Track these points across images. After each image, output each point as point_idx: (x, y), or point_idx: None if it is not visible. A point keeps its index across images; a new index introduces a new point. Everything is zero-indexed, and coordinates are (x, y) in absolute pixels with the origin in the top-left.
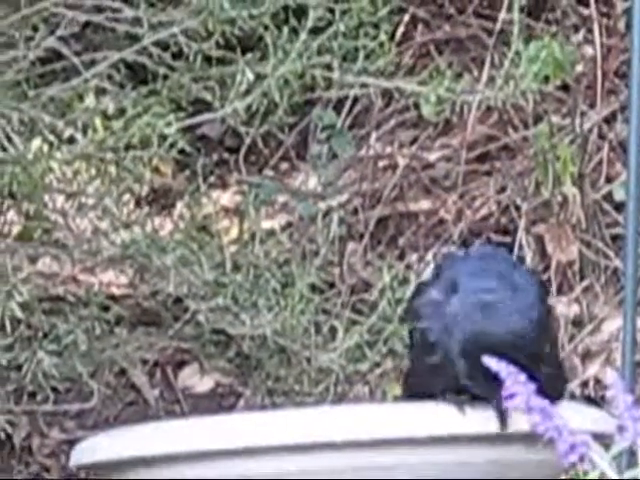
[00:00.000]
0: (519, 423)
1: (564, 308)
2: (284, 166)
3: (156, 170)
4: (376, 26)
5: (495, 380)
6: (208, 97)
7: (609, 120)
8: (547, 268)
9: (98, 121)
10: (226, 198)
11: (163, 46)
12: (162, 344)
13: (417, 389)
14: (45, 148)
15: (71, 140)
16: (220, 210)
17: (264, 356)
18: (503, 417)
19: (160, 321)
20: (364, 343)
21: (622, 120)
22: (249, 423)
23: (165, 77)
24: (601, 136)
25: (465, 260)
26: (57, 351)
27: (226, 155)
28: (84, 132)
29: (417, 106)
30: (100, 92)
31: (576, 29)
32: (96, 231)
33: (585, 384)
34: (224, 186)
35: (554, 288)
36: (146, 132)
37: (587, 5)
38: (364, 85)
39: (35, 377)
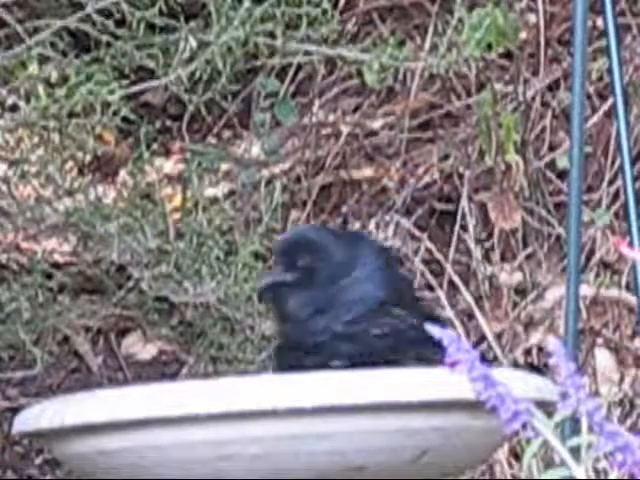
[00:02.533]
0: (462, 390)
1: (507, 276)
2: (227, 134)
3: (99, 138)
4: None
5: None
6: (151, 65)
7: (552, 88)
8: (490, 236)
9: (41, 89)
10: (169, 166)
11: (106, 14)
12: (105, 312)
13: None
14: None
15: (14, 108)
16: (163, 178)
17: (207, 324)
18: None
19: (103, 289)
20: None
21: (565, 88)
22: (192, 391)
23: (108, 45)
24: (544, 104)
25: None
26: (0, 319)
27: (169, 123)
28: (27, 100)
29: (360, 74)
30: (43, 60)
31: None
32: (39, 199)
33: (528, 352)
34: (167, 154)
35: (497, 256)
36: (89, 100)
37: None
38: (307, 53)
39: None
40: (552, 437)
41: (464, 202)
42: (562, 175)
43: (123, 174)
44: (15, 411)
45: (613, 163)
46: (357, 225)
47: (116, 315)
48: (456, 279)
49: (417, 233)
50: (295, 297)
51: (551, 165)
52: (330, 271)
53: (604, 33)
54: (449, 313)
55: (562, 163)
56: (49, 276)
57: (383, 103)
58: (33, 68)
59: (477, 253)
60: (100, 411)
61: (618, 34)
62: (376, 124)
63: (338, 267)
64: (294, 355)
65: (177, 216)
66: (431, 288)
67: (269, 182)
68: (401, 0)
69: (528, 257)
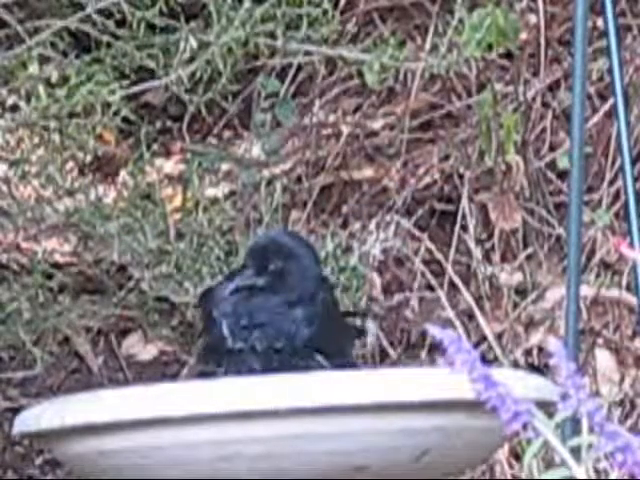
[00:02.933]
0: (463, 390)
1: (507, 276)
2: (228, 134)
3: (100, 138)
4: None
5: None
6: (152, 65)
7: (552, 88)
8: (490, 236)
9: (42, 89)
10: (170, 166)
11: (106, 14)
12: (106, 312)
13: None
14: None
15: (14, 108)
16: (164, 178)
17: None
18: None
19: (104, 289)
20: None
21: (565, 88)
22: (193, 391)
23: (109, 45)
24: (544, 104)
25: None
26: (0, 319)
27: (170, 123)
28: (27, 100)
29: (361, 74)
30: (44, 60)
31: None
32: (39, 199)
33: (528, 352)
34: (168, 154)
35: (497, 256)
36: (90, 100)
37: None
38: (308, 53)
39: None
40: (552, 437)
41: (464, 202)
42: (562, 175)
43: (123, 174)
44: (16, 411)
45: (613, 163)
46: (357, 225)
47: (117, 315)
48: (456, 279)
49: (417, 233)
50: (264, 301)
51: (551, 165)
52: (299, 277)
53: (604, 33)
54: (449, 313)
55: (562, 163)
56: (49, 276)
57: (383, 103)
58: (33, 68)
59: (477, 253)
60: (101, 411)
61: (618, 34)
62: (376, 124)
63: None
64: (222, 354)
65: (177, 216)
66: (431, 288)
67: (269, 182)
68: (402, 0)
69: (528, 257)
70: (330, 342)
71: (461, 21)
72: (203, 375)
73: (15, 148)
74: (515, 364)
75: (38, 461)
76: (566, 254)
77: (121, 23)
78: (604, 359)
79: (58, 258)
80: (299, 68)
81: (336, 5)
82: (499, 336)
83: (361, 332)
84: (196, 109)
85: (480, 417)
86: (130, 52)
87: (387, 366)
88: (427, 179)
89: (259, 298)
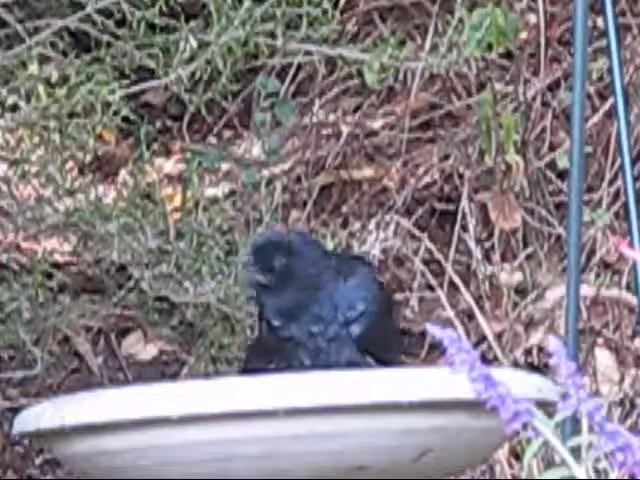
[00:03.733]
0: (462, 390)
1: (507, 276)
2: (227, 134)
3: (99, 138)
4: None
5: None
6: (152, 64)
7: (552, 88)
8: (490, 236)
9: (41, 89)
10: (170, 166)
11: (106, 13)
12: (106, 312)
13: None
14: None
15: (14, 108)
16: (164, 178)
17: (208, 324)
18: None
19: (104, 289)
20: None
21: (565, 88)
22: (192, 391)
23: (108, 45)
24: (544, 104)
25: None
26: (0, 318)
27: (170, 123)
28: (27, 100)
29: (360, 74)
30: (43, 60)
31: None
32: (39, 198)
33: (528, 352)
34: (168, 154)
35: (497, 256)
36: (89, 100)
37: None
38: (307, 53)
39: None
40: (552, 437)
41: (464, 202)
42: (562, 175)
43: (123, 174)
44: (15, 411)
45: (613, 163)
46: (357, 225)
47: (116, 315)
48: (456, 279)
49: (417, 233)
50: (270, 299)
51: (551, 165)
52: (307, 275)
53: (604, 33)
54: (449, 313)
55: (562, 163)
56: (49, 276)
57: (383, 103)
58: (33, 68)
59: (477, 253)
60: (100, 411)
61: (618, 34)
62: (376, 124)
63: (316, 272)
64: (262, 357)
65: (177, 216)
66: (431, 288)
67: (269, 182)
68: (401, 0)
69: (528, 257)
70: (379, 343)
71: (461, 21)
72: (247, 372)
73: (15, 148)
74: (515, 364)
75: (38, 461)
76: (566, 254)
77: (121, 23)
78: (604, 359)
79: (58, 258)
80: (299, 68)
81: (336, 5)
82: (499, 336)
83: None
84: (196, 109)
85: (480, 417)
86: (130, 52)
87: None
88: (427, 179)
89: (307, 293)
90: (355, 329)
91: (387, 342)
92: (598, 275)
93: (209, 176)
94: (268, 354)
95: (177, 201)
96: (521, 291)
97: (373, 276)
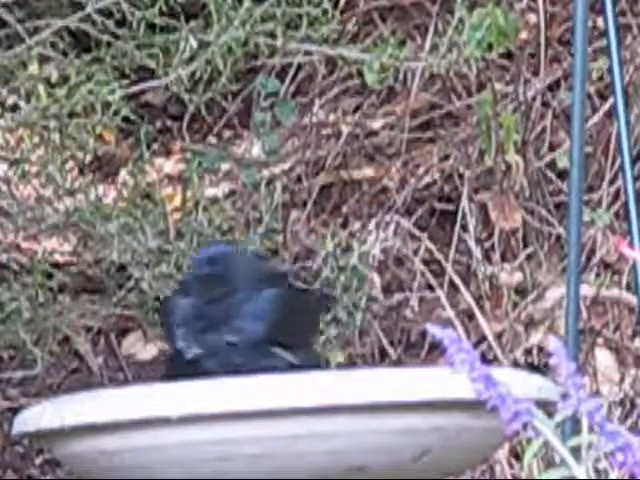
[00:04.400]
0: (462, 390)
1: (507, 276)
2: (227, 134)
3: (100, 138)
4: None
5: None
6: (152, 64)
7: (552, 88)
8: (490, 236)
9: (41, 89)
10: (170, 166)
11: (106, 13)
12: (106, 312)
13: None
14: None
15: (14, 108)
16: (164, 178)
17: None
18: None
19: (104, 289)
20: None
21: (565, 88)
22: (192, 391)
23: (109, 44)
24: (544, 104)
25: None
26: (0, 318)
27: (170, 123)
28: (27, 100)
29: (360, 74)
30: (44, 60)
31: None
32: (39, 198)
33: (529, 352)
34: (168, 154)
35: (497, 256)
36: (90, 99)
37: None
38: (308, 53)
39: None
40: (553, 437)
41: (464, 202)
42: (562, 175)
43: (123, 174)
44: (15, 411)
45: (613, 163)
46: (357, 225)
47: (116, 315)
48: (456, 279)
49: (417, 233)
50: (187, 307)
51: (551, 165)
52: (226, 286)
53: (604, 33)
54: (449, 313)
55: (562, 163)
56: (49, 276)
57: (383, 103)
58: (33, 68)
59: (477, 253)
60: (100, 411)
61: (618, 34)
62: (376, 124)
63: (233, 284)
64: (181, 365)
65: (177, 216)
66: (431, 288)
67: (269, 182)
68: (401, 0)
69: (528, 257)
70: (290, 334)
71: (461, 21)
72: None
73: (15, 148)
74: (515, 364)
75: (38, 461)
76: (566, 254)
77: (121, 23)
78: (604, 359)
79: (58, 258)
80: (299, 68)
81: (336, 5)
82: (499, 336)
83: (329, 301)
84: (196, 109)
85: (480, 417)
86: (130, 52)
87: (387, 366)
88: (427, 179)
89: (208, 305)
90: (261, 333)
91: (298, 331)
92: (598, 275)
93: (209, 176)
94: (185, 364)
95: (177, 201)
96: (521, 291)
97: (284, 286)
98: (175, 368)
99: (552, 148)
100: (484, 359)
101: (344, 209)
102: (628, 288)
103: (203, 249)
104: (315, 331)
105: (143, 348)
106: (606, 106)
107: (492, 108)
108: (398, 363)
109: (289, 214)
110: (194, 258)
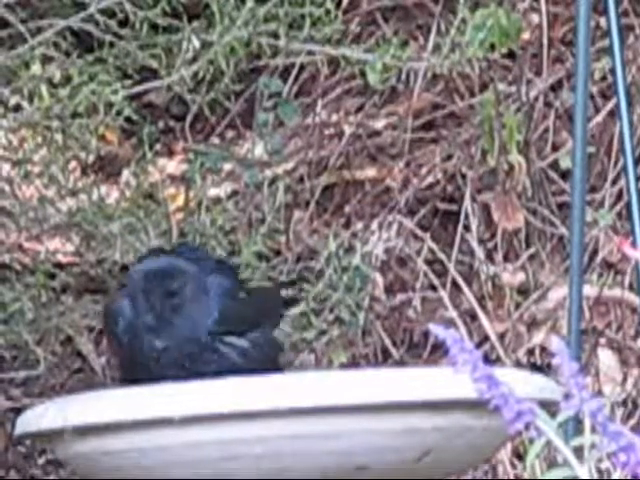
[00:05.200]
0: (465, 390)
1: (510, 276)
2: (230, 134)
3: (102, 138)
4: None
5: None
6: (154, 65)
7: (555, 88)
8: (493, 236)
9: (44, 89)
10: (172, 166)
11: (109, 14)
12: None
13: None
14: None
15: (17, 108)
16: (166, 178)
17: None
18: None
19: (106, 289)
20: (310, 311)
21: (568, 88)
22: (195, 391)
23: (111, 45)
24: (547, 104)
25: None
26: (3, 319)
27: (172, 123)
28: (30, 100)
29: (363, 74)
30: (46, 60)
31: None
32: (42, 199)
33: (531, 352)
34: (170, 154)
35: (500, 256)
36: (92, 100)
37: None
38: (310, 53)
39: None
40: (555, 437)
41: (467, 202)
42: (565, 175)
43: (126, 174)
44: (18, 411)
45: (616, 163)
46: (360, 225)
47: None
48: (459, 279)
49: (420, 233)
50: (132, 312)
51: (554, 165)
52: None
53: (607, 33)
54: (452, 313)
55: (565, 163)
56: (52, 276)
57: (386, 103)
58: (36, 68)
59: (480, 253)
60: (103, 411)
61: (621, 34)
62: (379, 124)
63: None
64: (133, 369)
65: (180, 216)
66: (434, 288)
67: (272, 182)
68: (404, 0)
69: (531, 257)
70: (241, 322)
71: (464, 21)
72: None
73: (18, 148)
74: (518, 364)
75: (41, 461)
76: (568, 254)
77: (124, 23)
78: (607, 359)
79: (61, 258)
80: (302, 68)
81: (339, 5)
82: (501, 336)
83: (293, 301)
84: (199, 109)
85: (482, 417)
86: (133, 52)
87: (389, 366)
88: (430, 179)
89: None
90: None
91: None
92: (601, 275)
93: (212, 176)
94: (141, 366)
95: (180, 201)
96: (524, 291)
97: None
98: (132, 370)
99: (555, 148)
100: (486, 359)
101: (347, 209)
102: (631, 288)
103: (140, 262)
104: (269, 316)
105: None
106: (609, 106)
107: (495, 108)
108: (401, 363)
109: (292, 214)
110: (132, 274)
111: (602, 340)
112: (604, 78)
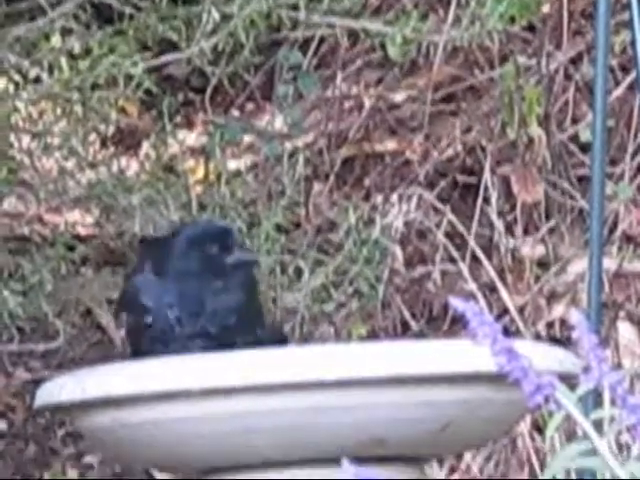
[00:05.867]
0: (485, 363)
1: (530, 249)
2: (250, 106)
3: (122, 110)
4: None
5: None
6: (174, 37)
7: (575, 61)
8: (513, 209)
9: (64, 61)
10: (192, 138)
11: None
12: None
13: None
14: (11, 88)
15: (37, 80)
16: (186, 150)
17: None
18: None
19: (126, 261)
20: (329, 283)
21: (588, 61)
22: (214, 363)
23: (131, 17)
24: (567, 77)
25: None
26: (23, 291)
27: (192, 95)
28: (50, 72)
29: (383, 46)
30: (66, 32)
31: None
32: (62, 171)
33: (551, 325)
34: (190, 126)
35: (520, 229)
36: (112, 72)
37: None
38: (330, 25)
39: (0, 317)
40: (575, 410)
41: (487, 175)
42: (585, 148)
43: (146, 146)
44: (37, 383)
45: (636, 136)
46: (379, 198)
47: None
48: (479, 252)
49: (440, 206)
50: (153, 288)
51: (574, 138)
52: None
53: (627, 6)
54: (472, 286)
55: (585, 136)
56: (72, 248)
57: (406, 76)
58: (56, 40)
59: (500, 226)
60: (122, 384)
61: None
62: (399, 97)
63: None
64: (152, 341)
65: (200, 188)
66: (453, 261)
67: (292, 155)
68: None
69: (551, 230)
70: (258, 315)
71: None
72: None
73: (38, 120)
74: (537, 337)
75: (60, 433)
76: (588, 227)
77: None
78: (626, 332)
79: (80, 230)
80: (321, 40)
81: None
82: (521, 309)
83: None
84: (218, 81)
85: (502, 390)
86: (153, 24)
87: (409, 338)
88: (449, 152)
89: (190, 285)
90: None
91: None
92: (620, 248)
93: (231, 149)
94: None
95: (199, 174)
96: (543, 264)
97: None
98: (159, 344)
99: (574, 121)
100: (506, 332)
101: (366, 182)
102: None
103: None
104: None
105: None
106: (629, 79)
107: (514, 81)
108: (420, 336)
109: (311, 187)
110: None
111: (622, 313)
112: (624, 51)
